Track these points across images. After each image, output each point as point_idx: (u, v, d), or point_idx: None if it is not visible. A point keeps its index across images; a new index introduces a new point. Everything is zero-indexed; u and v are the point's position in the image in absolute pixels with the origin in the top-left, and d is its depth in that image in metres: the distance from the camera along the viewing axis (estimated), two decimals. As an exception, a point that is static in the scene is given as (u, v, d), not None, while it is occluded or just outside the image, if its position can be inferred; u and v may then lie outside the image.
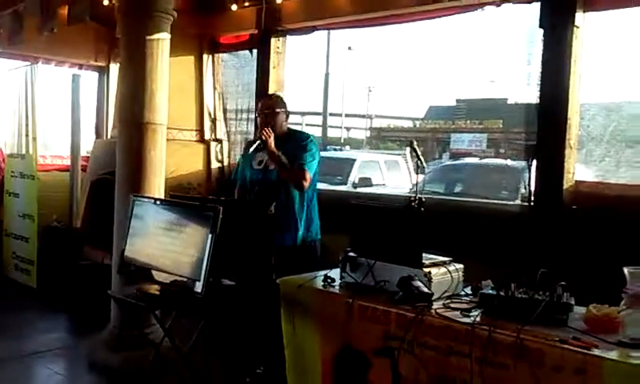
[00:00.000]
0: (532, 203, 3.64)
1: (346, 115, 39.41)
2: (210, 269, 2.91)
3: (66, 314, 5.38)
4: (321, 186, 4.21)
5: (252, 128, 5.97)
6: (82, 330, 4.99)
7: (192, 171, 6.12)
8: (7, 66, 6.49)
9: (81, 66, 6.82)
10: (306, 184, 3.61)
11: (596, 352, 2.02)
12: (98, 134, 7.11)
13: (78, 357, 4.45)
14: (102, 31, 6.48)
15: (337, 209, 3.37)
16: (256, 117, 4.35)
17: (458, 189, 8.56)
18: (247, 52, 5.99)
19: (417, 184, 3.30)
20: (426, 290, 2.58)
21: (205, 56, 6.33)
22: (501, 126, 29.62)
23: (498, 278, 2.50)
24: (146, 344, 3.95)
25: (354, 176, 9.71)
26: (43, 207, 5.97)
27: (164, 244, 3.22)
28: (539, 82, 3.85)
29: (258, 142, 3.67)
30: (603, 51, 4.15)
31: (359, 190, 8.59)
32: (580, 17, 3.75)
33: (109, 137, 6.66)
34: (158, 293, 3.22)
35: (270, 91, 5.47)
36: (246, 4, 5.68)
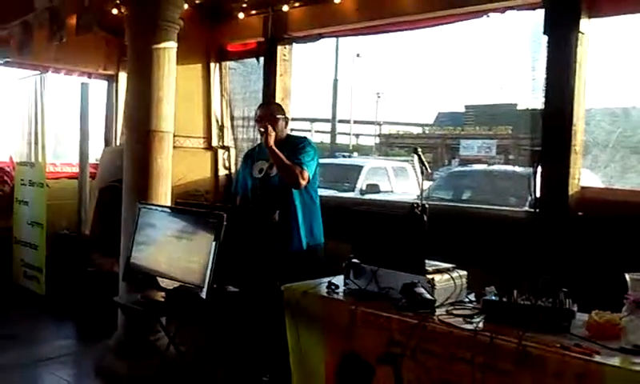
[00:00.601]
0: (537, 210, 3.63)
1: (355, 122, 39.47)
2: (215, 276, 2.93)
3: (74, 322, 5.42)
4: (328, 192, 4.22)
5: (258, 136, 6.00)
6: (89, 337, 5.03)
7: (200, 178, 6.16)
8: (17, 75, 6.57)
9: (90, 75, 6.89)
10: (303, 182, 3.62)
11: (597, 359, 2.01)
12: (107, 141, 7.16)
13: (85, 364, 4.47)
14: (110, 40, 6.54)
15: (344, 215, 3.38)
16: (255, 125, 4.37)
17: (465, 195, 8.55)
18: (254, 60, 6.02)
19: (421, 191, 3.30)
20: (429, 296, 2.58)
21: (212, 64, 6.38)
22: (510, 132, 29.49)
23: (501, 285, 2.51)
24: (152, 351, 3.97)
25: (362, 183, 9.72)
26: (52, 215, 6.02)
27: (169, 251, 3.25)
28: (544, 88, 3.85)
29: (261, 130, 3.68)
30: (608, 57, 4.14)
31: (367, 196, 8.60)
32: (585, 23, 3.74)
33: (117, 144, 6.73)
34: (163, 299, 3.24)
35: (277, 99, 5.50)
36: (253, 12, 5.72)
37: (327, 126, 32.38)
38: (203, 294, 2.94)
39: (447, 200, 7.86)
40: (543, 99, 3.86)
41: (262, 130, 3.68)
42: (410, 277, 2.66)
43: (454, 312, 2.53)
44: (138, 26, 4.27)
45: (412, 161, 11.80)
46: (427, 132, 37.63)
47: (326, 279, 2.99)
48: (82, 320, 5.35)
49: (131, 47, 4.31)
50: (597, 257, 3.45)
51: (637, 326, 2.06)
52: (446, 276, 2.72)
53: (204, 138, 6.33)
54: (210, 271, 2.92)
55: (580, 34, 3.73)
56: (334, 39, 17.52)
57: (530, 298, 2.36)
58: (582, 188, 3.83)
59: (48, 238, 5.92)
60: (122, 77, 6.84)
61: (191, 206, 3.84)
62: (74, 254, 5.94)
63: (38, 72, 6.21)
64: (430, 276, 2.65)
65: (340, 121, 32.87)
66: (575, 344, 2.10)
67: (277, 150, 3.62)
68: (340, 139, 34.24)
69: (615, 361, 2.01)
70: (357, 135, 41.02)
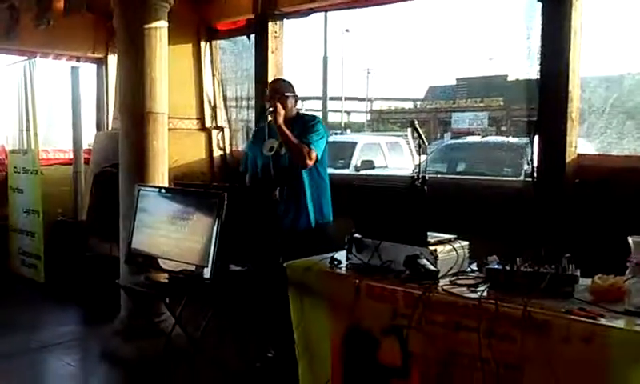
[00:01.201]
0: (535, 179, 3.65)
1: (346, 99, 39.21)
2: (218, 255, 2.93)
3: (76, 307, 5.42)
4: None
5: (252, 115, 5.97)
6: (92, 321, 5.05)
7: (195, 160, 6.14)
8: (5, 61, 6.49)
9: (79, 59, 6.82)
10: (310, 163, 3.59)
11: (602, 321, 2.03)
12: (99, 126, 7.11)
13: (90, 348, 4.51)
14: (98, 22, 6.47)
15: (341, 192, 3.37)
16: (257, 103, 4.32)
17: (460, 168, 8.55)
18: (245, 38, 5.97)
19: (420, 163, 3.30)
20: (432, 267, 2.59)
21: (202, 43, 6.32)
22: (501, 103, 29.48)
23: (503, 254, 2.52)
24: (157, 332, 3.99)
25: (356, 159, 9.72)
26: (48, 202, 6.00)
27: (170, 232, 3.23)
28: (539, 57, 3.84)
29: (270, 109, 3.63)
30: (603, 23, 4.12)
31: (362, 172, 8.60)
32: (579, -12, 3.73)
33: (109, 129, 6.67)
34: (166, 281, 3.24)
35: (269, 76, 5.45)
36: (242, -12, 5.66)
37: (318, 104, 32.19)
38: (207, 274, 2.94)
39: (443, 173, 7.85)
40: (538, 68, 3.85)
41: (271, 108, 3.62)
42: (413, 249, 2.67)
43: (458, 282, 2.54)
44: (127, 5, 4.20)
45: (405, 136, 11.80)
46: (419, 106, 37.53)
47: (329, 255, 2.99)
48: (83, 305, 5.35)
49: (121, 28, 4.24)
50: (595, 222, 3.48)
51: (641, 288, 2.08)
52: (448, 247, 2.73)
53: (197, 119, 6.30)
54: (214, 251, 2.92)
55: (574, 1, 3.72)
56: (322, 14, 17.39)
57: (533, 265, 2.38)
58: (579, 155, 3.85)
59: (45, 225, 5.91)
60: (112, 60, 6.78)
61: (192, 186, 3.80)
62: (71, 240, 5.93)
63: (27, 57, 6.14)
64: (432, 247, 2.66)
65: (331, 98, 32.72)
66: (579, 308, 2.12)
67: (285, 129, 3.57)
68: (332, 117, 34.13)
69: (620, 323, 2.02)
70: (348, 112, 40.85)
